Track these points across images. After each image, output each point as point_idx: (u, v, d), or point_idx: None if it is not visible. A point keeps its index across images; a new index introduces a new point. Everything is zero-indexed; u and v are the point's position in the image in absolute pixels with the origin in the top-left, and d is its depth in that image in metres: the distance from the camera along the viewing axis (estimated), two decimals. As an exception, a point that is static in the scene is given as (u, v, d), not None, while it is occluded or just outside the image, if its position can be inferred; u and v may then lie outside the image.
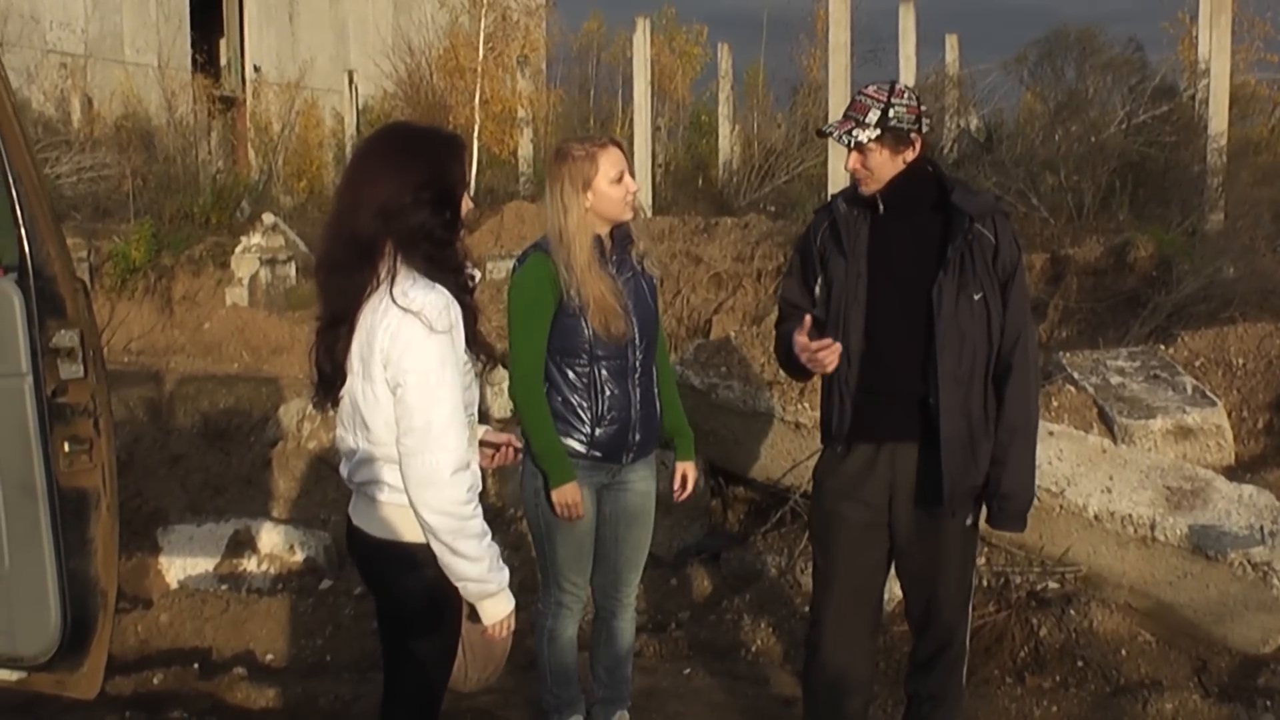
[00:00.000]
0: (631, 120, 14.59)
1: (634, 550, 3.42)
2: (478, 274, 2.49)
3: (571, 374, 3.22)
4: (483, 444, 2.63)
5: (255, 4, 25.07)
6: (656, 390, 3.36)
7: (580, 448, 3.23)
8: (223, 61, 24.67)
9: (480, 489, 2.46)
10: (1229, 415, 5.56)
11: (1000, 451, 2.98)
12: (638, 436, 3.28)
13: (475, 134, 15.60)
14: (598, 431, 3.23)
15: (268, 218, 12.28)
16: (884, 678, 3.91)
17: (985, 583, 4.39)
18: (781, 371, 3.77)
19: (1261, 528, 4.16)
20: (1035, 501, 3.84)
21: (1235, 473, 5.07)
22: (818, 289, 3.09)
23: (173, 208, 13.48)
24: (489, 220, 12.30)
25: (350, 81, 18.41)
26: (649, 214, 11.96)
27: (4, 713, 3.71)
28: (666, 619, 4.72)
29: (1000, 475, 2.98)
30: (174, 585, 5.21)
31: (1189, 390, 5.52)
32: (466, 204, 2.45)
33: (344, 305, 2.37)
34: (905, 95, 2.98)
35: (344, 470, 2.52)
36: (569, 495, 3.19)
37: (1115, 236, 8.95)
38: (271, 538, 5.34)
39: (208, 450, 6.51)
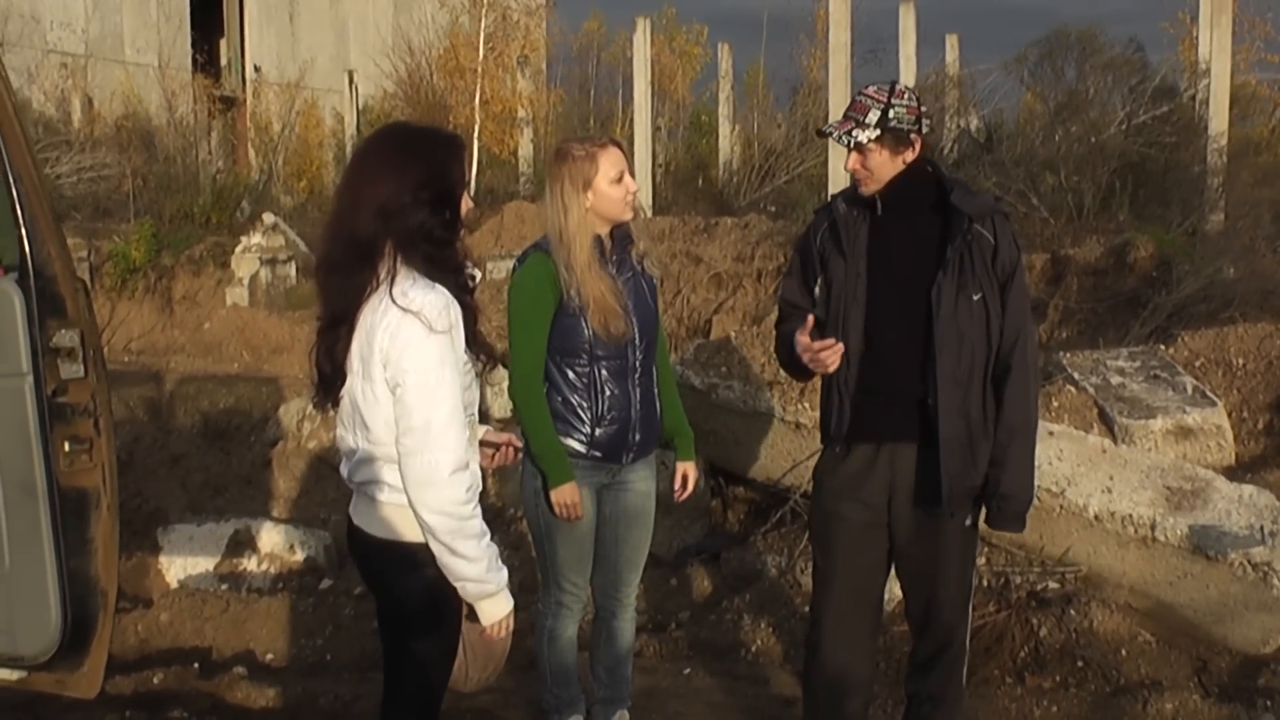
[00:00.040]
0: (631, 120, 14.59)
1: (634, 550, 3.42)
2: (478, 274, 2.49)
3: (571, 374, 3.22)
4: (483, 444, 2.63)
5: (255, 4, 25.08)
6: (656, 390, 3.36)
7: (580, 448, 3.23)
8: (223, 61, 24.68)
9: (480, 489, 2.46)
10: (1229, 415, 5.56)
11: (999, 452, 2.98)
12: (638, 436, 3.28)
13: (475, 134, 15.60)
14: (598, 431, 3.23)
15: (268, 217, 12.29)
16: (884, 678, 3.91)
17: (985, 583, 4.39)
18: (781, 371, 3.77)
19: (1262, 528, 4.16)
20: (1035, 502, 3.84)
21: (1235, 473, 5.07)
22: (817, 289, 3.09)
23: (173, 207, 13.48)
24: (489, 220, 12.30)
25: (350, 81, 18.42)
26: (649, 214, 11.96)
27: (4, 712, 3.71)
28: (666, 619, 4.72)
29: (999, 476, 2.98)
30: (174, 585, 5.21)
31: (1189, 390, 5.52)
32: (466, 203, 2.45)
33: (344, 305, 2.37)
34: (905, 96, 2.98)
35: (344, 470, 2.53)
36: (568, 495, 3.19)
37: (1115, 237, 8.95)
38: (272, 537, 5.34)
39: (208, 450, 6.51)
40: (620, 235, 3.26)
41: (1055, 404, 5.31)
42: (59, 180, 13.45)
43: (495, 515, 5.38)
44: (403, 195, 2.33)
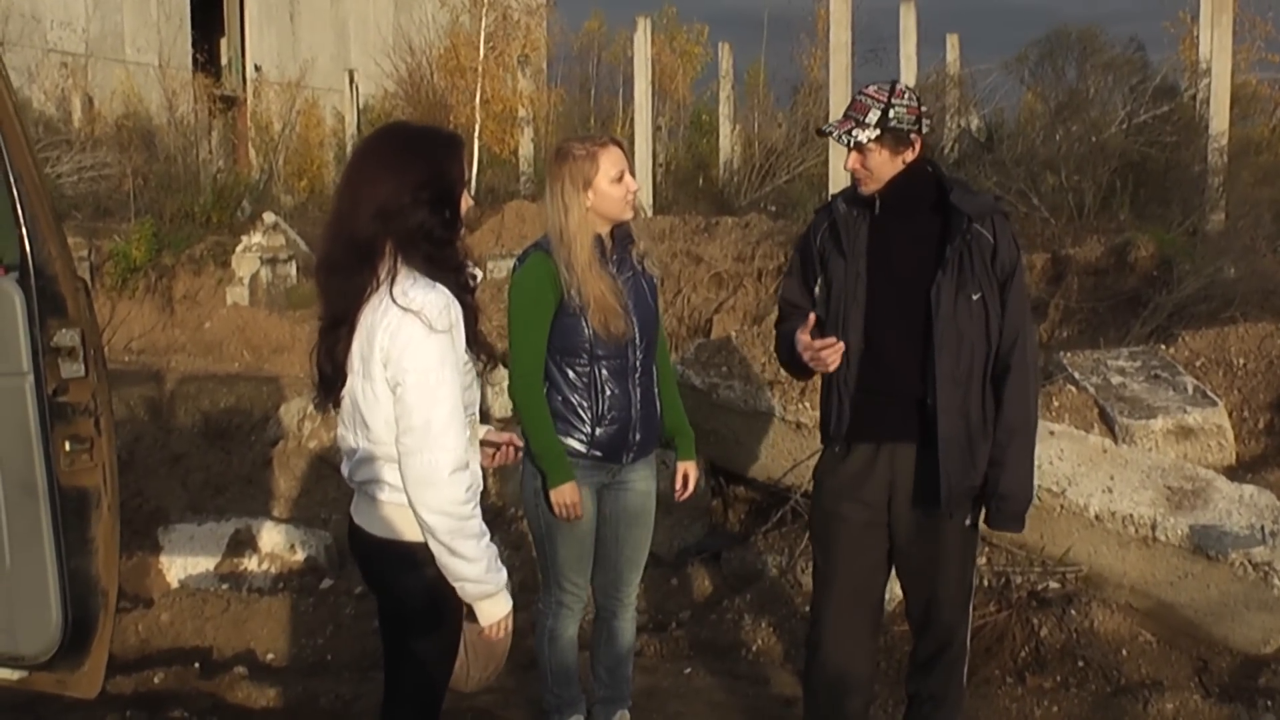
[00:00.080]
0: (632, 120, 14.59)
1: (634, 550, 3.42)
2: (479, 273, 2.49)
3: (572, 373, 3.22)
4: (484, 444, 2.63)
5: (256, 3, 25.08)
6: (657, 390, 3.36)
7: (580, 447, 3.23)
8: (223, 61, 24.68)
9: (480, 489, 2.46)
10: (1230, 415, 5.56)
11: (998, 452, 2.98)
12: (638, 436, 3.28)
13: (476, 133, 15.60)
14: (598, 431, 3.23)
15: (268, 217, 12.29)
16: (884, 678, 3.91)
17: (986, 583, 4.39)
18: (782, 371, 3.77)
19: (1262, 528, 4.16)
20: (1036, 501, 3.84)
21: (1236, 473, 5.07)
22: (817, 289, 3.09)
23: (173, 207, 13.49)
24: (490, 219, 12.30)
25: (351, 81, 18.42)
26: (649, 214, 11.96)
27: (5, 712, 3.71)
28: (667, 619, 4.72)
29: (998, 476, 2.98)
30: (175, 584, 5.21)
31: (1190, 390, 5.52)
32: (466, 202, 2.45)
33: (344, 306, 2.37)
34: (905, 96, 2.97)
35: (345, 469, 2.53)
36: (567, 495, 3.19)
37: (1116, 236, 8.95)
38: (272, 537, 5.34)
39: (208, 449, 6.51)
40: (621, 235, 3.26)
41: (1056, 404, 5.31)
42: (59, 180, 13.46)
43: (495, 515, 5.38)
44: (402, 195, 2.33)
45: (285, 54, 24.44)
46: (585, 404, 3.21)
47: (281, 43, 25.24)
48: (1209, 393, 5.56)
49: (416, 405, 2.30)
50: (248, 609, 4.78)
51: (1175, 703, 3.77)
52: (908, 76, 12.19)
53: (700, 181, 15.95)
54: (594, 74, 21.10)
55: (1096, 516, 4.33)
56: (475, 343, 2.45)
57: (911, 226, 3.01)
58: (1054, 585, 4.38)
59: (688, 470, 3.45)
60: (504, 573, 2.42)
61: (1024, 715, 3.85)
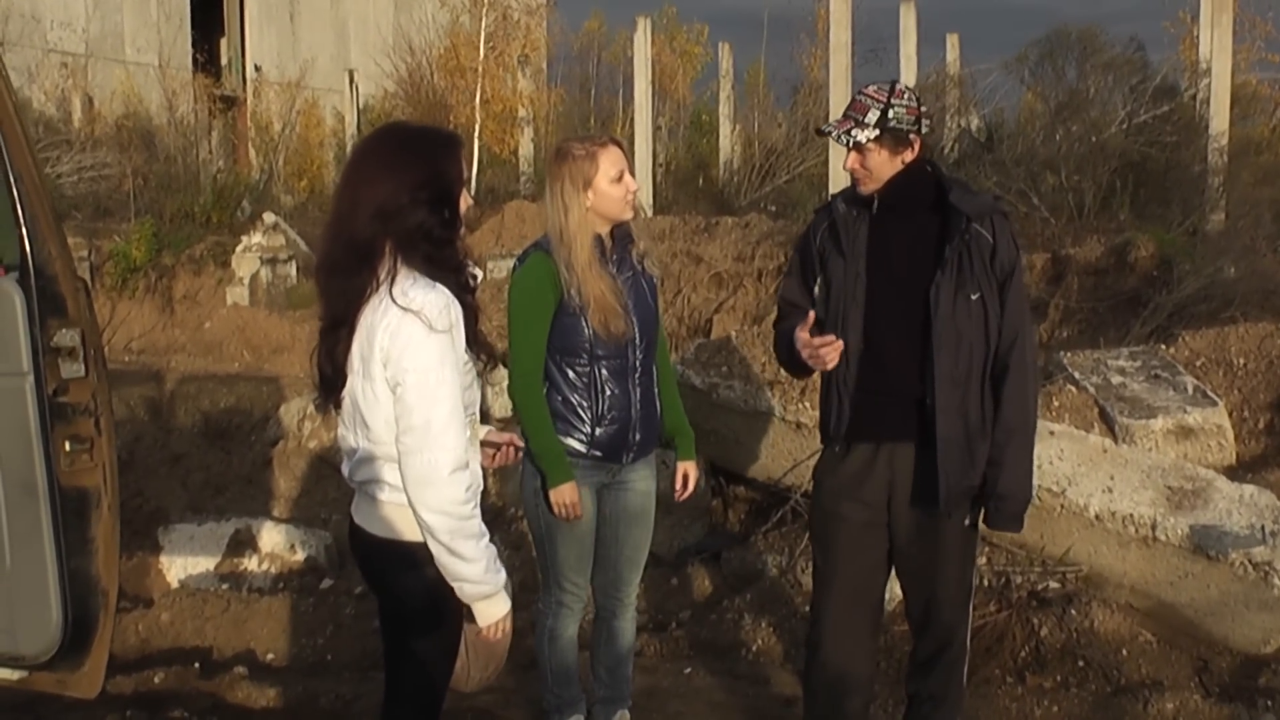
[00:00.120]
0: (632, 120, 14.59)
1: (635, 550, 3.42)
2: (479, 273, 2.49)
3: (571, 373, 3.22)
4: (484, 444, 2.63)
5: (256, 3, 25.09)
6: (657, 390, 3.36)
7: (580, 447, 3.23)
8: (223, 61, 24.69)
9: (481, 489, 2.46)
10: (1230, 415, 5.56)
11: (997, 452, 2.97)
12: (638, 436, 3.28)
13: (476, 133, 15.60)
14: (598, 431, 3.23)
15: (268, 217, 12.29)
16: (884, 678, 3.91)
17: (986, 582, 4.39)
18: (782, 371, 3.77)
19: (1262, 527, 4.16)
20: (1036, 501, 3.85)
21: (1236, 473, 5.07)
22: (817, 289, 3.09)
23: (173, 207, 13.49)
24: (490, 219, 12.30)
25: (351, 81, 18.42)
26: (649, 213, 11.96)
27: (5, 712, 3.71)
28: (667, 619, 4.72)
29: (997, 476, 2.98)
30: (175, 584, 5.22)
31: (1190, 390, 5.52)
32: (466, 201, 2.45)
33: (344, 307, 2.37)
34: (905, 96, 2.97)
35: (345, 469, 2.53)
36: (566, 495, 3.19)
37: (1116, 236, 8.95)
38: (272, 537, 5.34)
39: (208, 449, 6.51)
40: (620, 234, 3.26)
41: (1056, 403, 5.31)
42: (59, 180, 13.46)
43: (495, 515, 5.38)
44: (401, 195, 2.33)
45: (285, 54, 24.45)
46: (585, 404, 3.21)
47: (281, 43, 25.24)
48: (1209, 393, 5.56)
49: (416, 405, 2.30)
50: (248, 609, 4.78)
51: (1175, 703, 3.77)
52: (908, 76, 12.19)
53: (700, 181, 15.95)
54: (594, 74, 21.11)
55: (1096, 516, 4.33)
56: (475, 342, 2.45)
57: (911, 226, 3.01)
58: (1054, 585, 4.38)
59: (688, 470, 3.45)
60: (503, 573, 2.42)
61: (1024, 715, 3.85)
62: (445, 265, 2.37)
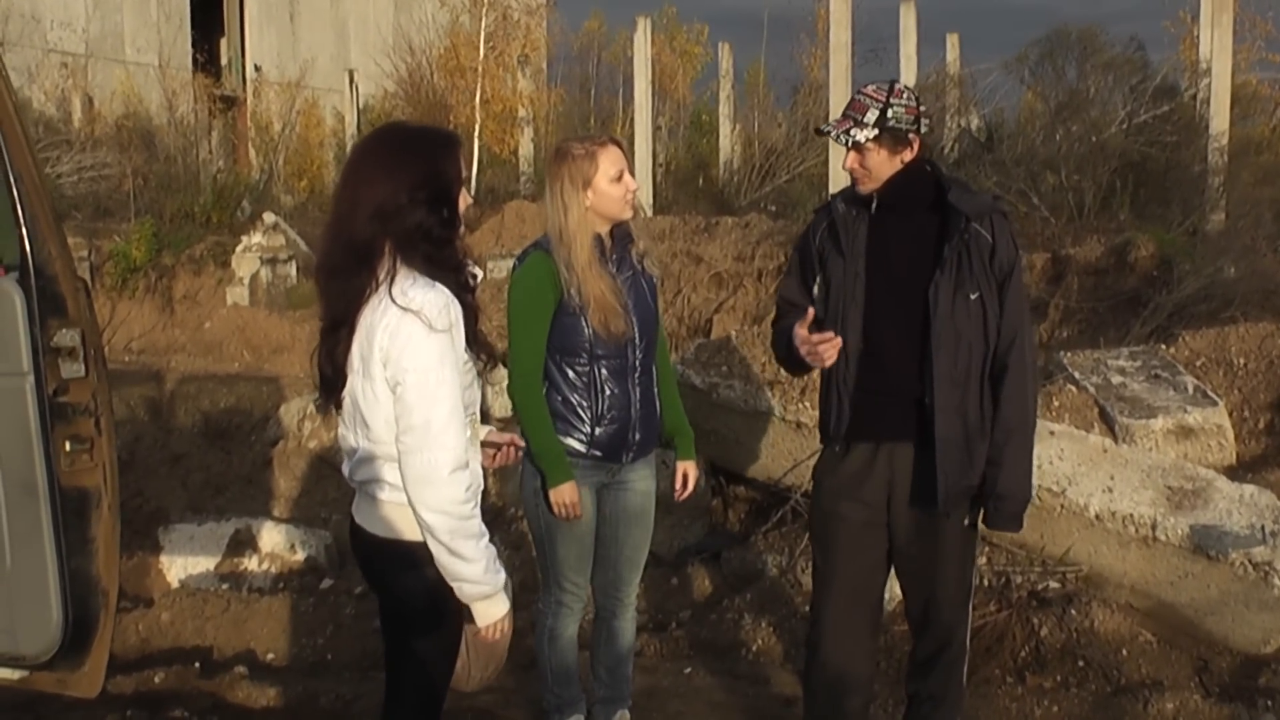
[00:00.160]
0: (632, 120, 14.59)
1: (634, 550, 3.42)
2: (479, 272, 2.49)
3: (571, 373, 3.22)
4: (485, 445, 2.63)
5: (256, 3, 25.09)
6: (656, 390, 3.36)
7: (580, 447, 3.23)
8: (223, 61, 24.70)
9: (481, 489, 2.46)
10: (1230, 415, 5.56)
11: (996, 452, 2.97)
12: (638, 436, 3.28)
13: (476, 133, 15.61)
14: (597, 431, 3.23)
15: (268, 217, 12.29)
16: (884, 677, 3.91)
17: (986, 582, 4.39)
18: (782, 371, 3.77)
19: (1263, 527, 4.16)
20: (1036, 501, 3.85)
21: (1236, 472, 5.07)
22: (816, 289, 3.09)
23: (173, 207, 13.49)
24: (490, 219, 12.30)
25: (351, 81, 18.43)
26: (649, 213, 11.96)
27: (6, 711, 3.71)
28: (667, 618, 4.72)
29: (996, 476, 2.98)
30: (175, 584, 5.22)
31: (1190, 390, 5.52)
32: (465, 201, 2.44)
33: (344, 308, 2.37)
34: (904, 95, 2.97)
35: (346, 469, 2.53)
36: (566, 495, 3.19)
37: (1116, 236, 8.95)
38: (272, 537, 5.34)
39: (209, 449, 6.52)
40: (620, 234, 3.26)
41: (1056, 403, 5.31)
42: (59, 180, 13.46)
43: (495, 515, 5.38)
44: (399, 196, 2.33)
45: (285, 54, 24.45)
46: (585, 404, 3.21)
47: (281, 43, 25.25)
48: (1209, 392, 5.56)
49: (416, 404, 2.30)
50: (248, 609, 4.78)
51: (1175, 703, 3.77)
52: (908, 76, 12.19)
53: (700, 181, 15.95)
54: (594, 74, 21.11)
55: (1096, 516, 4.33)
56: (475, 342, 2.45)
57: (910, 226, 3.01)
58: (1054, 585, 4.38)
59: (687, 470, 3.45)
60: (502, 574, 2.42)
61: (1024, 715, 3.85)
62: (445, 265, 2.37)
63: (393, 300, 2.31)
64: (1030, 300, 3.18)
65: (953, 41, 14.09)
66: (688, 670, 4.22)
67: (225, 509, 5.79)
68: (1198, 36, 11.64)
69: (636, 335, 3.23)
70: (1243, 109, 12.67)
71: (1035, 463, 3.17)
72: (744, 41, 34.19)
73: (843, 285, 3.02)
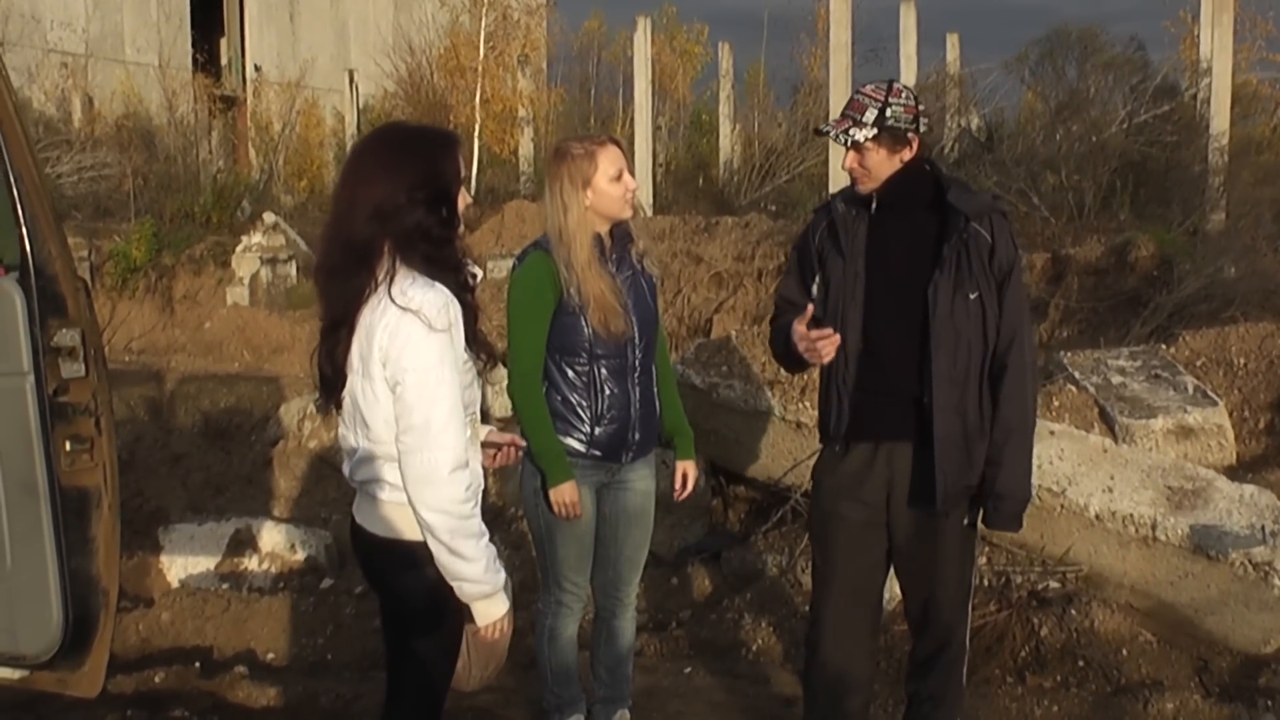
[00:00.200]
0: (632, 119, 14.59)
1: (634, 549, 3.42)
2: (479, 272, 2.49)
3: (571, 373, 3.22)
4: (486, 445, 2.63)
5: (256, 3, 25.09)
6: (656, 389, 3.36)
7: (580, 447, 3.23)
8: (223, 61, 24.70)
9: (481, 488, 2.46)
10: (1230, 415, 5.56)
11: (995, 451, 2.97)
12: (637, 435, 3.28)
13: (476, 133, 15.61)
14: (597, 430, 3.23)
15: (268, 217, 12.29)
16: (884, 677, 3.91)
17: (986, 582, 4.39)
18: (782, 371, 3.77)
19: (1263, 527, 4.16)
20: (1036, 501, 3.84)
21: (1236, 472, 5.07)
22: (815, 288, 3.09)
23: (173, 207, 13.49)
24: (490, 219, 12.30)
25: (351, 81, 18.43)
26: (649, 213, 11.96)
27: (6, 711, 3.71)
28: (667, 618, 4.72)
29: (995, 475, 2.98)
30: (175, 584, 5.22)
31: (1190, 390, 5.52)
32: (464, 200, 2.44)
33: (343, 308, 2.37)
34: (903, 94, 2.97)
35: (346, 469, 2.53)
36: (566, 494, 3.19)
37: (1116, 236, 8.95)
38: (272, 537, 5.34)
39: (209, 449, 6.52)
40: (620, 233, 3.26)
41: (1056, 403, 5.31)
42: (59, 180, 13.47)
43: (495, 515, 5.38)
44: (398, 196, 2.33)
45: (285, 54, 24.46)
46: (584, 403, 3.21)
47: (281, 43, 25.25)
48: (1209, 392, 5.56)
49: (416, 404, 2.30)
50: (248, 609, 4.78)
51: (1175, 703, 3.77)
52: (908, 76, 12.20)
53: (700, 181, 15.95)
54: (594, 74, 21.12)
55: (1097, 516, 4.33)
56: (475, 342, 2.45)
57: (909, 226, 3.01)
58: (1054, 585, 4.38)
59: (687, 470, 3.46)
60: (502, 573, 2.42)
61: (1024, 715, 3.85)
62: (444, 264, 2.37)
63: (392, 300, 2.31)
64: (1030, 300, 3.18)
65: (953, 41, 14.09)
66: (688, 670, 4.22)
67: (225, 509, 5.79)
68: (1198, 36, 11.65)
69: (636, 335, 3.23)
70: (1243, 109, 12.67)
71: (1035, 463, 3.17)
72: (744, 41, 34.20)
73: (842, 285, 3.02)
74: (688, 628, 4.58)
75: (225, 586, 5.14)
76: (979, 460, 2.97)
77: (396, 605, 2.52)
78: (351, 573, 5.04)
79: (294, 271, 11.77)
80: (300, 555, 5.31)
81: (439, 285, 2.34)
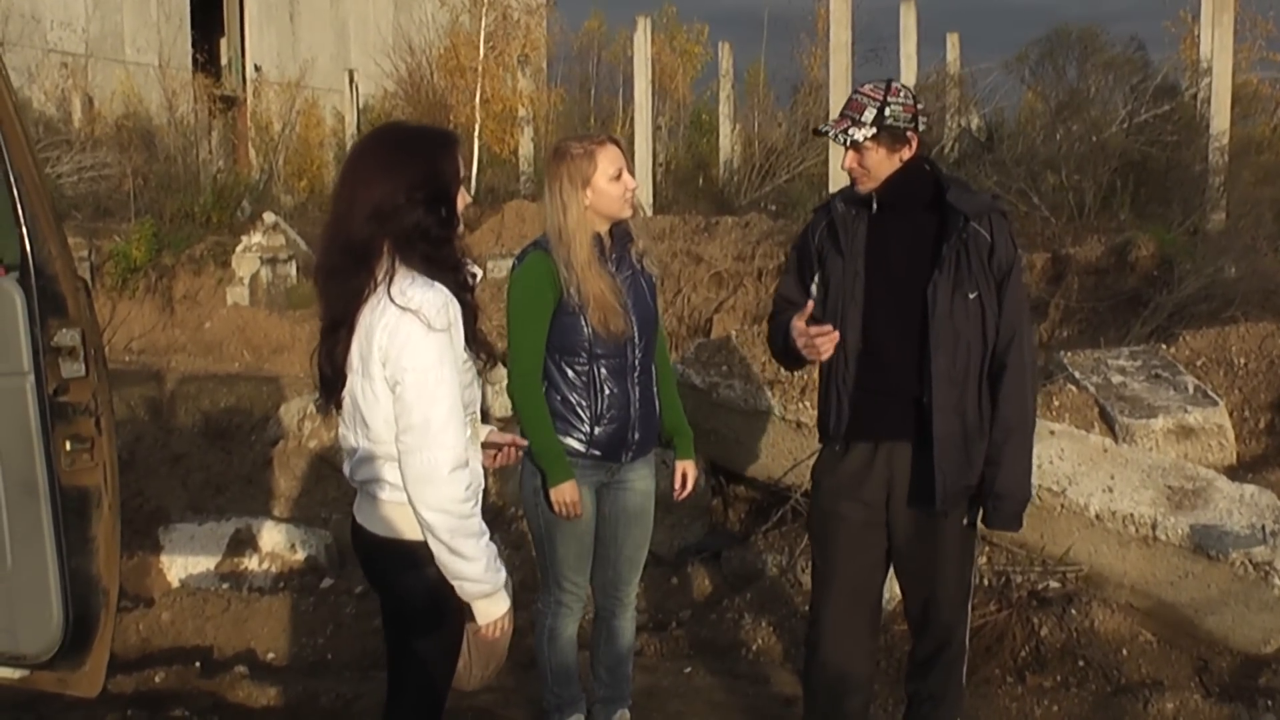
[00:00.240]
0: (632, 119, 14.59)
1: (634, 549, 3.42)
2: (478, 271, 2.49)
3: (571, 372, 3.22)
4: (486, 445, 2.63)
5: (256, 3, 25.09)
6: (656, 389, 3.36)
7: (580, 446, 3.23)
8: (223, 61, 24.71)
9: (481, 488, 2.46)
10: (1230, 415, 5.56)
11: (995, 451, 2.97)
12: (637, 435, 3.28)
13: (476, 133, 15.61)
14: (597, 430, 3.23)
15: (268, 217, 12.29)
16: (884, 677, 3.91)
17: (986, 582, 4.39)
18: (782, 370, 3.77)
19: (1263, 527, 4.16)
20: (1036, 501, 3.84)
21: (1237, 472, 5.07)
22: (814, 288, 3.09)
23: (173, 207, 13.50)
24: (490, 219, 12.31)
25: (351, 81, 18.43)
26: (649, 213, 11.96)
27: (6, 711, 3.71)
28: (667, 618, 4.73)
29: (995, 475, 2.98)
30: (175, 584, 5.22)
31: (1190, 390, 5.52)
32: (464, 200, 2.44)
33: (343, 308, 2.37)
34: (902, 94, 2.97)
35: (346, 469, 2.53)
36: (567, 494, 3.19)
37: (1116, 236, 8.95)
38: (273, 536, 5.34)
39: (209, 449, 6.52)
40: (620, 233, 3.26)
41: (1056, 403, 5.31)
42: (60, 180, 13.47)
43: (495, 515, 5.38)
44: (397, 196, 2.33)
45: (285, 54, 24.46)
46: (584, 403, 3.21)
47: (281, 43, 25.25)
48: (1210, 392, 5.56)
49: (415, 403, 2.30)
50: (248, 608, 4.78)
51: (1175, 702, 3.77)
52: (908, 76, 12.20)
53: (700, 181, 15.95)
54: (594, 74, 21.11)
55: (1097, 516, 4.33)
56: (475, 341, 2.45)
57: (909, 225, 3.01)
58: (1054, 585, 4.38)
59: (687, 469, 3.46)
60: (503, 572, 2.42)
61: (1024, 715, 3.85)
62: (443, 264, 2.37)
63: (391, 300, 2.31)
64: (1030, 300, 3.18)
65: (953, 41, 14.09)
66: (688, 670, 4.22)
67: (225, 509, 5.80)
68: (1198, 36, 11.65)
69: (636, 334, 3.23)
70: (1243, 108, 12.67)
71: (1035, 462, 3.17)
72: (744, 41, 34.20)
73: (842, 284, 3.02)
74: (688, 628, 4.58)
75: (225, 586, 5.14)
76: (978, 460, 2.97)
77: (397, 605, 2.52)
78: (352, 572, 5.04)
79: (294, 271, 11.77)
80: (300, 555, 5.31)
81: (438, 285, 2.34)
